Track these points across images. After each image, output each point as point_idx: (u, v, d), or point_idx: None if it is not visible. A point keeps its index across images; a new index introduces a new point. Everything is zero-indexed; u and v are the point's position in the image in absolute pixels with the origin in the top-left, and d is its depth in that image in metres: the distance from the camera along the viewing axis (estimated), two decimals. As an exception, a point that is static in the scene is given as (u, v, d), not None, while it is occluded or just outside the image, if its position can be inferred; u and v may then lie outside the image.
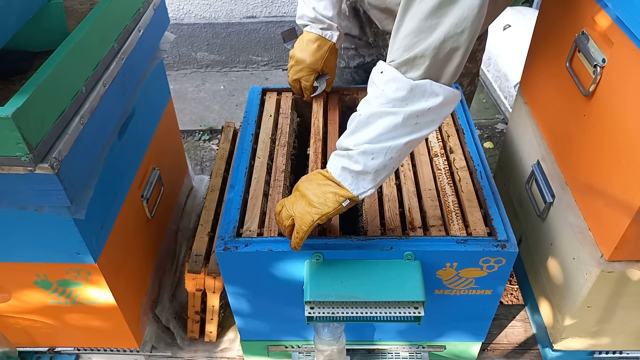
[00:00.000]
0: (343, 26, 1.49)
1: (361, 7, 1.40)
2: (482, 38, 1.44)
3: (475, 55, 1.46)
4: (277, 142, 1.31)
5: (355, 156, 0.87)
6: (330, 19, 1.26)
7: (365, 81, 1.60)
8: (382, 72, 0.87)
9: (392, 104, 0.84)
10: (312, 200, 0.91)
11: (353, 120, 0.90)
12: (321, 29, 1.27)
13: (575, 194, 1.19)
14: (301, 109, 1.46)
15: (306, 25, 1.29)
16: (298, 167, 1.33)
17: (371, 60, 1.53)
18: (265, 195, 1.17)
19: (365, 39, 1.48)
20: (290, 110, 1.40)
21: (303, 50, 1.29)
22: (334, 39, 1.29)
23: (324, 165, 1.22)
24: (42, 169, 0.85)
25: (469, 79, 1.50)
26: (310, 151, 1.26)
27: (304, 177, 0.97)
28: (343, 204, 0.90)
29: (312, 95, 1.38)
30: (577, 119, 1.16)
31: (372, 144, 0.86)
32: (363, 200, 1.16)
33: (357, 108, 0.90)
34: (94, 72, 1.01)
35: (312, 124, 1.34)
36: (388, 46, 1.48)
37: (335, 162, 0.92)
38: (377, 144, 0.86)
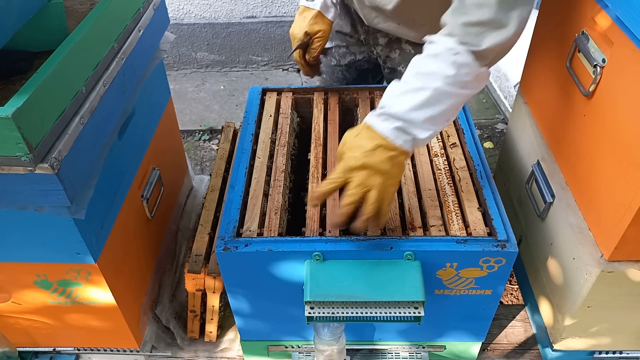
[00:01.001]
0: (335, 24, 1.50)
1: (352, 6, 1.42)
2: None
3: None
4: (277, 142, 1.31)
5: (422, 132, 0.91)
6: None
7: (356, 80, 1.61)
8: (457, 53, 0.89)
9: (461, 85, 0.90)
10: (389, 172, 0.90)
11: (420, 90, 0.89)
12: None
13: (575, 194, 1.19)
14: (302, 109, 1.46)
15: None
16: (298, 167, 1.33)
17: (362, 58, 1.54)
18: (265, 195, 1.17)
19: (356, 36, 1.49)
20: (290, 110, 1.40)
21: (294, 24, 1.36)
22: (317, 7, 1.31)
23: (324, 170, 1.22)
24: (42, 169, 0.85)
25: None
26: (311, 156, 1.26)
27: (359, 150, 0.90)
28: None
29: (313, 74, 1.43)
30: (577, 119, 1.16)
31: (439, 119, 0.92)
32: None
33: (417, 72, 0.92)
34: (94, 72, 1.01)
35: (312, 129, 1.34)
36: (379, 44, 1.48)
37: (404, 137, 0.90)
38: (443, 119, 0.92)
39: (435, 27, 0.96)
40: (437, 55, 0.90)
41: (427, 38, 0.93)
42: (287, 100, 1.43)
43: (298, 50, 1.35)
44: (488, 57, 0.91)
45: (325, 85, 1.62)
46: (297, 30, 1.34)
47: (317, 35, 1.35)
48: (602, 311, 1.18)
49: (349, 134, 0.94)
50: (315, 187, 0.96)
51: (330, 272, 1.02)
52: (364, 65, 1.57)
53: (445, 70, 0.89)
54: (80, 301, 1.19)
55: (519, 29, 0.89)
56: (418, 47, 1.38)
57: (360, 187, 0.89)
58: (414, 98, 0.89)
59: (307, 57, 1.37)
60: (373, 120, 0.92)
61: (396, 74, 1.50)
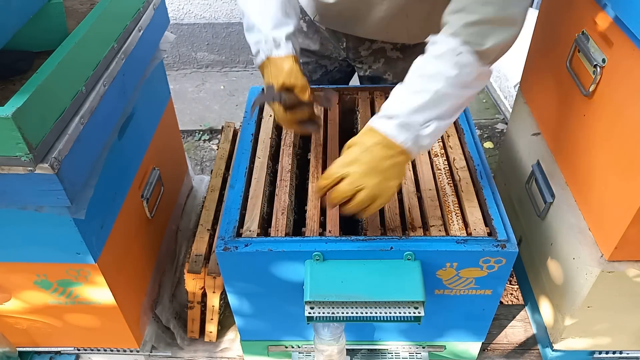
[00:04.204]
0: (299, 42, 1.47)
1: (321, 25, 1.40)
2: None
3: None
4: (282, 142, 1.31)
5: (428, 134, 0.91)
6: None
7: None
8: (460, 53, 0.88)
9: (463, 85, 0.90)
10: (388, 175, 0.91)
11: (421, 92, 0.89)
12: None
13: (575, 194, 1.19)
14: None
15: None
16: (302, 167, 1.33)
17: (334, 68, 1.53)
18: (266, 195, 1.17)
19: (327, 53, 1.48)
20: (294, 110, 1.40)
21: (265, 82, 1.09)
22: (290, 52, 1.06)
23: (324, 170, 1.21)
24: (42, 169, 0.85)
25: None
26: (311, 156, 1.26)
27: (359, 146, 0.91)
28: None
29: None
30: (577, 119, 1.16)
31: (442, 120, 0.91)
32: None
33: (420, 74, 0.91)
34: (94, 72, 1.01)
35: None
36: (361, 57, 1.44)
37: (405, 135, 0.90)
38: (445, 120, 0.92)
39: (428, 22, 0.97)
40: (440, 56, 0.89)
41: (430, 39, 0.92)
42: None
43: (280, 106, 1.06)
44: (491, 56, 0.89)
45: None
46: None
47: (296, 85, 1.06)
48: (602, 311, 1.18)
49: (354, 137, 0.95)
50: (317, 181, 0.97)
51: (330, 272, 1.02)
52: (337, 76, 1.56)
53: (448, 71, 0.88)
54: (81, 301, 1.19)
55: (522, 24, 0.90)
56: (406, 50, 1.37)
57: (352, 185, 0.90)
58: (416, 100, 0.89)
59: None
60: (375, 122, 0.93)
61: (380, 81, 1.47)
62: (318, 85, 1.49)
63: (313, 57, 1.50)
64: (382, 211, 1.13)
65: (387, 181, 0.91)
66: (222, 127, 1.69)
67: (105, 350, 1.39)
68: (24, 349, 1.37)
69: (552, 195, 1.26)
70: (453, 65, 0.88)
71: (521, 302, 1.57)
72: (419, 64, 0.92)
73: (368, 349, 1.34)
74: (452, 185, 1.17)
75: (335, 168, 0.93)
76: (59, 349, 1.39)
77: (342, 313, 1.01)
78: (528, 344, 1.43)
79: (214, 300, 1.35)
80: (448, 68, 0.88)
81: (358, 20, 1.28)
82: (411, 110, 0.89)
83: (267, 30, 1.04)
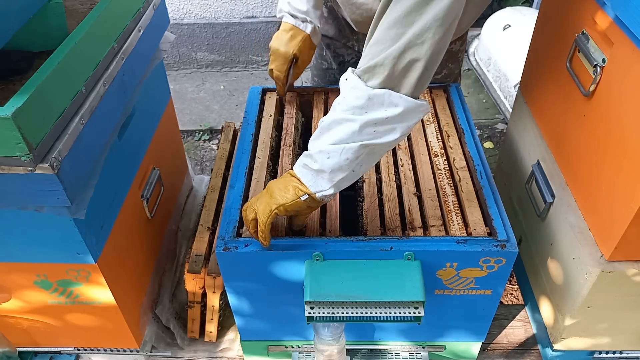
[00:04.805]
0: (320, 28, 1.49)
1: (339, 13, 1.41)
2: (462, 39, 1.45)
3: (457, 56, 1.47)
4: (282, 142, 1.31)
5: (314, 155, 0.91)
6: (304, 13, 1.28)
7: None
8: (346, 79, 0.89)
9: (352, 111, 0.86)
10: (274, 193, 0.96)
11: (320, 124, 0.93)
12: (295, 19, 1.29)
13: (575, 194, 1.19)
14: (305, 110, 1.46)
15: (283, 17, 1.31)
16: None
17: (351, 59, 1.54)
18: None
19: (344, 41, 1.48)
20: (295, 110, 1.40)
21: (277, 39, 1.31)
22: (308, 30, 1.29)
23: None
24: (42, 169, 0.85)
25: (452, 79, 1.52)
26: None
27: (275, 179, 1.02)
28: (302, 197, 0.93)
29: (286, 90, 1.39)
30: (577, 119, 1.16)
31: (333, 145, 0.89)
32: (363, 200, 1.16)
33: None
34: (94, 72, 1.01)
35: (312, 129, 1.35)
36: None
37: (298, 161, 0.96)
38: (332, 145, 0.89)
39: None
40: (340, 86, 0.92)
41: None
42: (291, 101, 1.43)
43: (285, 68, 1.32)
44: (378, 76, 0.84)
45: (325, 85, 1.63)
46: (284, 48, 1.29)
47: (303, 59, 1.33)
48: (602, 311, 1.18)
49: None
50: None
51: (330, 272, 1.02)
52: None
53: (338, 98, 0.90)
54: (80, 301, 1.19)
55: (411, 42, 0.81)
56: None
57: (249, 210, 0.99)
58: (315, 132, 0.94)
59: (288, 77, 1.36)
60: None
61: None
62: (339, 72, 1.52)
63: (331, 45, 1.51)
64: (382, 211, 1.14)
65: (270, 198, 0.96)
66: (222, 127, 1.69)
67: (105, 350, 1.39)
68: (24, 349, 1.37)
69: (552, 196, 1.26)
70: (342, 92, 0.89)
71: (521, 302, 1.57)
72: None
73: (368, 349, 1.34)
74: (452, 185, 1.17)
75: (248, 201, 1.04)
76: (59, 349, 1.39)
77: (342, 313, 1.01)
78: (528, 344, 1.43)
79: (214, 300, 1.35)
80: (339, 96, 0.90)
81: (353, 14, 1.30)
82: (310, 141, 0.94)
83: (314, 16, 1.29)
